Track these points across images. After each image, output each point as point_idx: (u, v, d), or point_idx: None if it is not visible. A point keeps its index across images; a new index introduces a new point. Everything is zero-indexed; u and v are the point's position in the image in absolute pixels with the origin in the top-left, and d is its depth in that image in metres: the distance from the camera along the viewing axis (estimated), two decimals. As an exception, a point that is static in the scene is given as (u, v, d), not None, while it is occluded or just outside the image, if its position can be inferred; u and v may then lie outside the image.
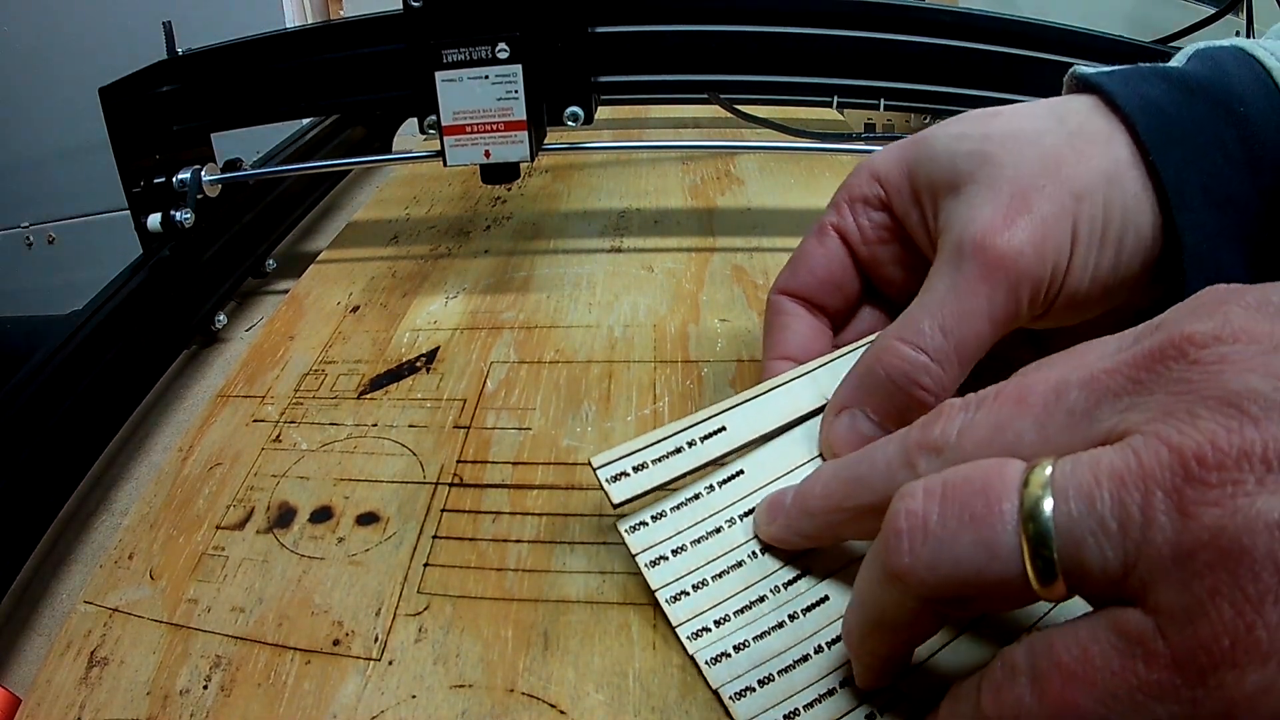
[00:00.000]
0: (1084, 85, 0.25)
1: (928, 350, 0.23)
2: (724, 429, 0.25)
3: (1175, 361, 0.15)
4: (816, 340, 0.28)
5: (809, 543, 0.23)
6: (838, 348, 0.28)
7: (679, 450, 0.24)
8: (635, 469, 0.24)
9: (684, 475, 0.24)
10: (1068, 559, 0.15)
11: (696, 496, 0.24)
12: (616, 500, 0.23)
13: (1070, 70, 0.26)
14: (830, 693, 0.21)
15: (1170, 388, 0.15)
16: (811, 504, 0.22)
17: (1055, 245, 0.22)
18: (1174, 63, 0.26)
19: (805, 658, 0.21)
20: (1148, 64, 0.26)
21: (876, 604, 0.18)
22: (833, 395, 0.25)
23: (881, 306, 0.29)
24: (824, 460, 0.25)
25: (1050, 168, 0.23)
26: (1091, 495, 0.15)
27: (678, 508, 0.24)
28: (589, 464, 0.24)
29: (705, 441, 0.25)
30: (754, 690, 0.21)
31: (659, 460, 0.24)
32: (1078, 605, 0.16)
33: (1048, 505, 0.15)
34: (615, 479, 0.24)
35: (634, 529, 0.24)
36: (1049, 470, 0.15)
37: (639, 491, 0.24)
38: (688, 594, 0.23)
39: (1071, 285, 0.23)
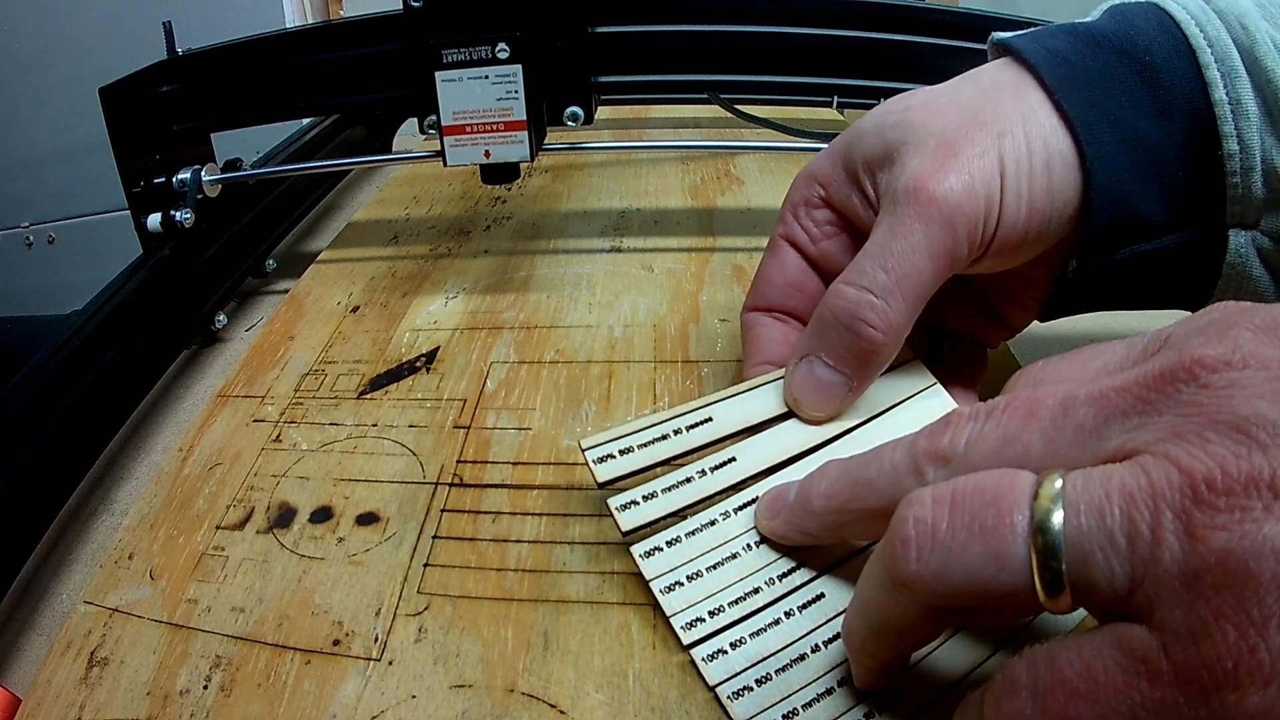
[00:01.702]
0: (1001, 49, 0.27)
1: (871, 288, 0.24)
2: (710, 419, 0.26)
3: (1185, 384, 0.16)
4: (789, 342, 0.29)
5: (810, 540, 0.23)
6: None
7: (665, 437, 0.25)
8: (621, 452, 0.25)
9: (668, 460, 0.25)
10: (1076, 572, 0.15)
11: (688, 480, 0.25)
12: (601, 479, 0.24)
13: (990, 36, 0.28)
14: (828, 692, 0.21)
15: (1180, 409, 0.15)
16: (815, 503, 0.22)
17: (984, 179, 0.24)
18: (1088, 19, 0.27)
19: (802, 657, 0.22)
20: (1059, 24, 0.27)
21: (880, 609, 0.18)
22: (793, 349, 0.26)
23: None
24: (796, 417, 0.26)
25: (970, 118, 0.24)
26: (1102, 510, 0.15)
27: (669, 489, 0.25)
28: (578, 445, 0.25)
29: (691, 430, 0.25)
30: (751, 690, 0.21)
31: (645, 445, 0.25)
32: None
33: (1058, 518, 0.15)
34: (602, 460, 0.25)
35: (625, 507, 0.24)
36: (1059, 483, 0.16)
37: (624, 473, 0.24)
38: (682, 584, 0.23)
39: (1009, 218, 0.24)
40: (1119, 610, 0.15)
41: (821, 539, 0.23)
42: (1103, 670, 0.14)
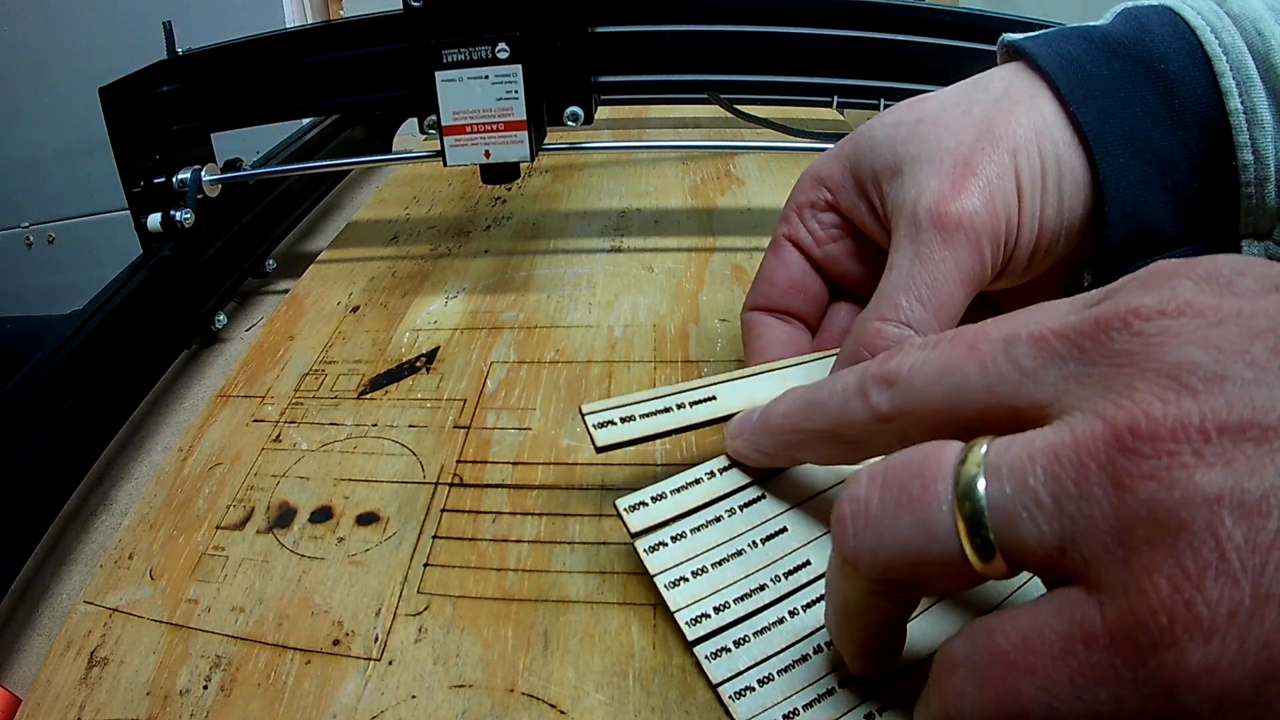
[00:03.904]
0: (1012, 52, 0.27)
1: (911, 324, 0.23)
2: (714, 398, 0.25)
3: (1119, 332, 0.15)
4: (794, 342, 0.29)
5: (769, 460, 0.24)
6: (817, 349, 0.29)
7: (668, 410, 0.25)
8: (623, 420, 0.24)
9: (669, 433, 0.25)
10: (1004, 536, 0.15)
11: (697, 481, 0.25)
12: (600, 444, 0.24)
13: (1000, 38, 0.27)
14: (829, 693, 0.21)
15: (1112, 359, 0.15)
16: (773, 422, 0.23)
17: (1004, 199, 0.23)
18: (1100, 21, 0.26)
19: (805, 658, 0.22)
20: (1072, 26, 0.26)
21: (838, 590, 0.19)
22: None
23: (851, 301, 0.29)
24: None
25: (983, 132, 0.24)
26: (1024, 471, 0.15)
27: (678, 490, 0.24)
28: (579, 410, 0.24)
29: (694, 406, 0.25)
30: (753, 690, 0.21)
31: (646, 416, 0.25)
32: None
33: (981, 484, 0.15)
34: (602, 425, 0.24)
35: (634, 508, 0.24)
36: (984, 449, 0.15)
37: (623, 439, 0.24)
38: (687, 580, 0.23)
39: (1024, 236, 0.24)
40: (1056, 570, 0.15)
41: (778, 459, 0.23)
42: (1039, 639, 0.14)
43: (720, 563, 0.23)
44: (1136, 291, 0.16)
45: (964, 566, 0.15)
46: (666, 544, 0.24)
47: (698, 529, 0.24)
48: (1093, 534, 0.14)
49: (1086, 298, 0.17)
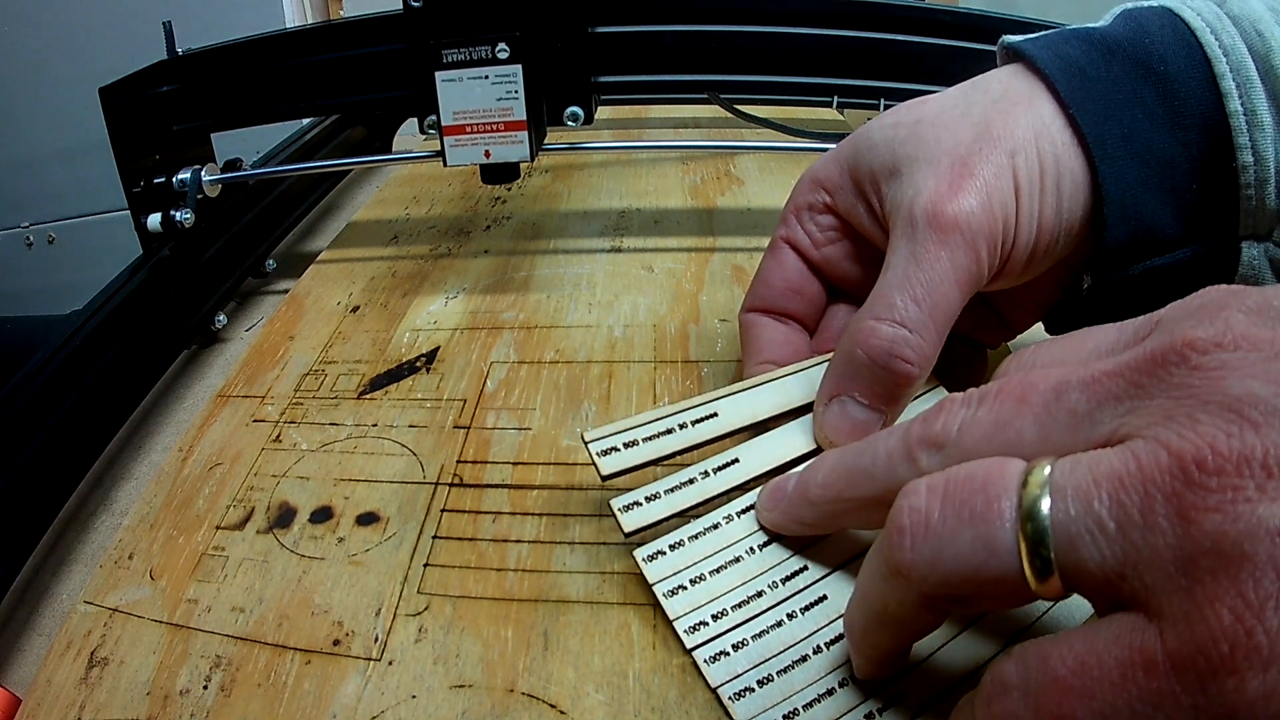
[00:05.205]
0: (1012, 54, 0.27)
1: (905, 323, 0.23)
2: (715, 414, 0.25)
3: (1176, 366, 0.15)
4: (791, 343, 0.28)
5: (809, 530, 0.23)
6: (815, 350, 0.29)
7: (670, 431, 0.25)
8: (626, 445, 0.24)
9: (674, 454, 0.25)
10: (1064, 557, 0.15)
11: (691, 481, 0.25)
12: (605, 472, 0.24)
13: (1000, 40, 0.27)
14: (829, 693, 0.21)
15: (1171, 392, 0.15)
16: (812, 493, 0.22)
17: (1001, 200, 0.23)
18: (1100, 22, 0.26)
19: (804, 658, 0.22)
20: (1071, 27, 0.26)
21: (880, 599, 0.18)
22: (819, 386, 0.25)
23: (849, 303, 0.29)
24: (821, 450, 0.25)
25: (981, 133, 0.24)
26: (1089, 496, 0.15)
27: (672, 490, 0.24)
28: (581, 437, 0.24)
29: (696, 425, 0.25)
30: (753, 690, 0.21)
31: (649, 439, 0.25)
32: (1077, 604, 0.16)
33: (1045, 504, 0.15)
34: (606, 453, 0.24)
35: (628, 508, 0.24)
36: (1048, 470, 0.16)
37: (628, 466, 0.24)
38: (685, 588, 0.23)
39: (1021, 237, 0.24)
40: (1114, 596, 0.15)
41: (820, 529, 0.23)
42: (1097, 664, 0.14)
43: (719, 570, 0.23)
44: (1188, 323, 0.16)
45: (1018, 585, 0.15)
46: (665, 553, 0.24)
47: (696, 537, 0.24)
48: (1156, 562, 0.14)
49: (1135, 328, 0.18)
